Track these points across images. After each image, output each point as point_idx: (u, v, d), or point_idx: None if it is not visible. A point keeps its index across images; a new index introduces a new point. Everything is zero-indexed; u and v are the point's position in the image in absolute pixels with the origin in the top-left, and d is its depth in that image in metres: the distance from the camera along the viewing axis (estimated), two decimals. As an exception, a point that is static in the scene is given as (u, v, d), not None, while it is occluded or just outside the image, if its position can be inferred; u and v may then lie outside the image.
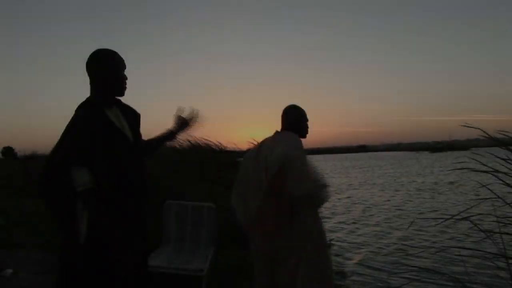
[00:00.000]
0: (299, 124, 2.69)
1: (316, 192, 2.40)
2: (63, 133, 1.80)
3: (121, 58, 1.92)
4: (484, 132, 2.53)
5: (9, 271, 3.91)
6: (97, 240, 1.74)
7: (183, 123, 2.17)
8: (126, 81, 1.94)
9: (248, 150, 2.81)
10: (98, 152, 1.74)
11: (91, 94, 1.90)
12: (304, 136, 2.70)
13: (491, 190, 2.48)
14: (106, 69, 1.87)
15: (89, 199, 1.71)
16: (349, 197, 14.32)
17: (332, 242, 6.86)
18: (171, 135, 2.20)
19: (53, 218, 1.90)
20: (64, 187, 1.74)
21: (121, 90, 1.94)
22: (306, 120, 2.73)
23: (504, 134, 2.56)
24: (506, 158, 2.46)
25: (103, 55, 1.89)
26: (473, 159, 2.64)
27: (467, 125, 2.56)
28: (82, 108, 1.85)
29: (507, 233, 2.44)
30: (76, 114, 1.82)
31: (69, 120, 1.82)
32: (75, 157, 1.71)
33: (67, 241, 1.81)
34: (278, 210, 2.38)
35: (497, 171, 2.47)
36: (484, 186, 2.51)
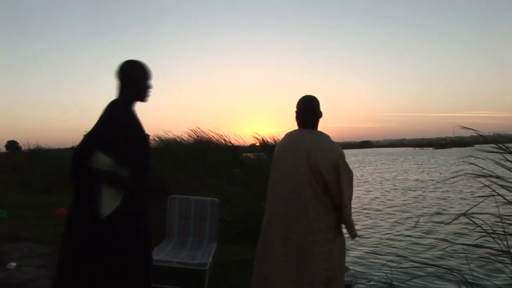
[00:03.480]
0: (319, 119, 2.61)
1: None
2: (100, 124, 2.10)
3: (149, 69, 2.23)
4: (478, 132, 2.53)
5: (13, 264, 3.92)
6: (122, 214, 2.04)
7: None
8: (151, 89, 2.26)
9: (285, 138, 2.65)
10: (127, 143, 2.08)
11: (120, 96, 2.19)
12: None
13: (498, 184, 2.47)
14: (136, 79, 2.18)
15: (106, 178, 2.02)
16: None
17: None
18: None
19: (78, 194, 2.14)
20: (90, 167, 2.03)
21: (145, 98, 2.25)
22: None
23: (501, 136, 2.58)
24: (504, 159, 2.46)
25: (134, 66, 2.20)
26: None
27: (464, 126, 2.56)
28: (118, 107, 2.16)
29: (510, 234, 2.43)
30: (113, 111, 2.14)
31: (103, 114, 2.13)
32: (104, 144, 2.04)
33: (87, 215, 2.04)
34: (319, 201, 2.39)
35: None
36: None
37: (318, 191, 2.37)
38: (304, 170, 2.38)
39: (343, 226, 2.50)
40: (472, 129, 2.53)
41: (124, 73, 2.18)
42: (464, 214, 2.54)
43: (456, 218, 2.67)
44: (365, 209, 10.37)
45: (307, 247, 2.36)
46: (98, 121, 2.13)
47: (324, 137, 2.52)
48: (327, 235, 2.38)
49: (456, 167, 24.04)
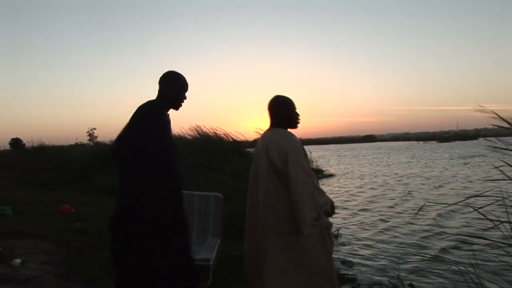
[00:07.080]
0: (290, 119, 2.70)
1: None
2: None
3: (187, 82, 2.55)
4: (497, 115, 2.49)
5: (18, 260, 3.93)
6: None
7: None
8: (185, 100, 2.56)
9: (256, 143, 2.87)
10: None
11: (157, 99, 2.51)
12: (296, 127, 2.72)
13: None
14: (174, 90, 2.51)
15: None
16: (343, 186, 14.29)
17: (339, 232, 6.85)
18: None
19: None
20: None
21: (178, 107, 2.56)
22: (295, 109, 2.72)
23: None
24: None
25: (175, 78, 2.53)
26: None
27: (481, 107, 2.54)
28: (156, 112, 2.44)
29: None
30: (153, 116, 2.41)
31: (139, 118, 2.40)
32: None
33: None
34: (281, 194, 2.49)
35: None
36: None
37: (278, 185, 2.49)
38: (265, 166, 2.54)
39: (320, 218, 2.53)
40: (492, 111, 2.50)
41: (164, 83, 2.50)
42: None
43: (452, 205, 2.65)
44: (363, 204, 10.35)
45: (276, 240, 2.48)
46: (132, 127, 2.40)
47: (282, 133, 2.63)
48: (292, 226, 2.46)
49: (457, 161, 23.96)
